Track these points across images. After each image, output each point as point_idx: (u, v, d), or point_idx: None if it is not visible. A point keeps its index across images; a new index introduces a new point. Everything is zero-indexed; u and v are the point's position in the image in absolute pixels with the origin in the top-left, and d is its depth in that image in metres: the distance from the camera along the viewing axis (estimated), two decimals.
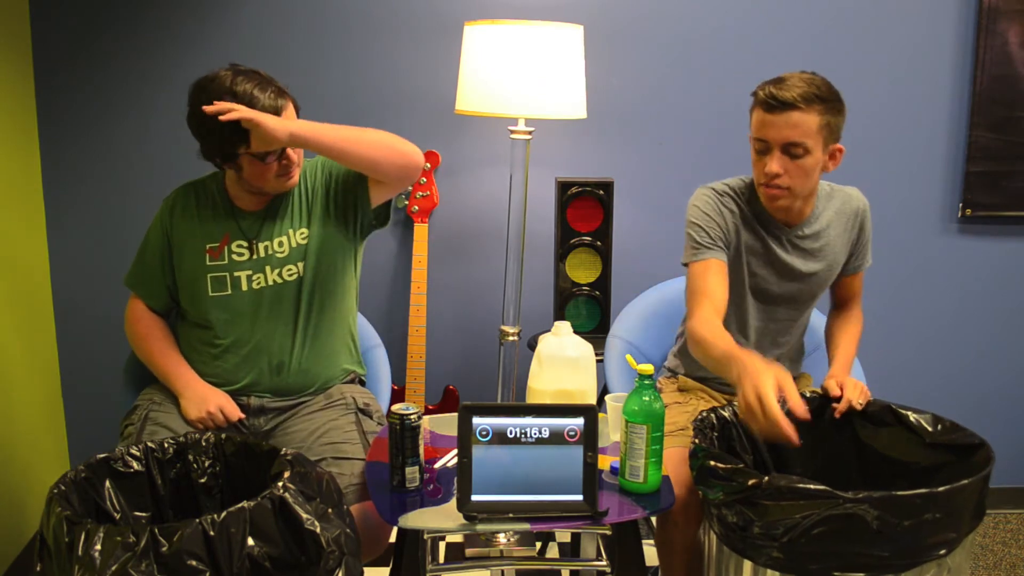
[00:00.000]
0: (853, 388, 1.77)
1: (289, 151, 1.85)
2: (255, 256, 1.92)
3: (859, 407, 1.74)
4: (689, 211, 1.88)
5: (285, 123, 1.77)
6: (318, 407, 1.94)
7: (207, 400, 1.86)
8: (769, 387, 1.47)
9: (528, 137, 2.39)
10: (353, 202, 1.96)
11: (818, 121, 1.70)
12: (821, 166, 1.76)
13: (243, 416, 1.90)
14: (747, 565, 1.46)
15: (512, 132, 2.39)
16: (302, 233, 1.94)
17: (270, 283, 1.92)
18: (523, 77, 2.19)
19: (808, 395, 1.78)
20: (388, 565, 1.84)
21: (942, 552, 1.39)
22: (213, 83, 1.78)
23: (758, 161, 1.77)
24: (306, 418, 1.92)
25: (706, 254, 1.82)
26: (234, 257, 1.92)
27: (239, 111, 1.72)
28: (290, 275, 1.93)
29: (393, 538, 1.75)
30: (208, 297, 1.92)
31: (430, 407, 2.71)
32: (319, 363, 1.96)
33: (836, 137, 1.77)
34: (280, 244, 1.93)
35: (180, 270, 1.95)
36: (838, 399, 1.76)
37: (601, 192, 2.54)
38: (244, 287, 1.92)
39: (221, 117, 1.71)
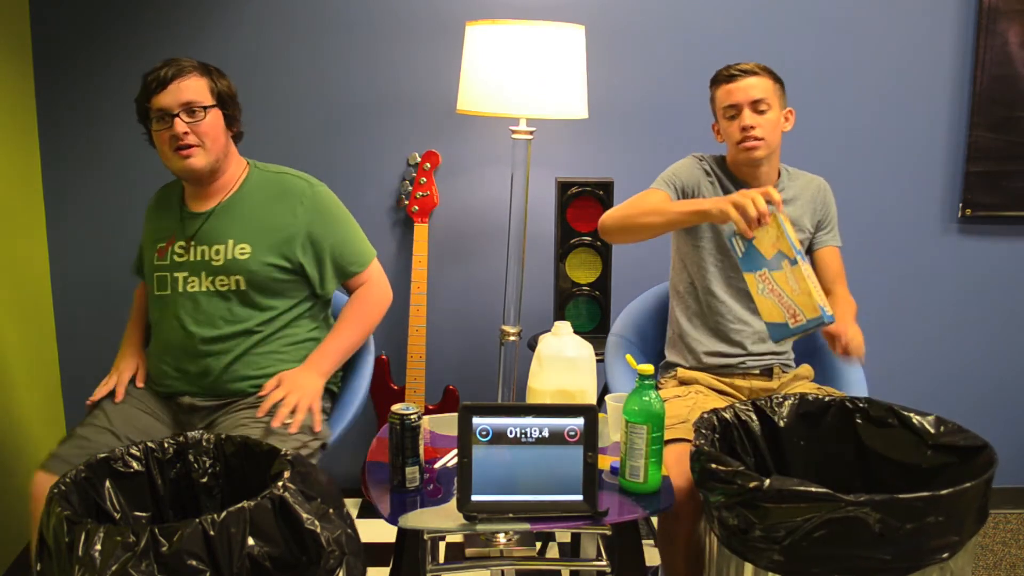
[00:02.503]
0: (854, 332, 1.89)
1: (177, 125, 1.81)
2: (189, 258, 1.90)
3: (857, 354, 1.87)
4: (665, 171, 2.09)
5: (310, 376, 1.88)
6: (248, 404, 1.88)
7: (116, 368, 1.96)
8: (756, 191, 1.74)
9: (529, 137, 2.39)
10: (320, 278, 1.97)
11: (772, 85, 2.00)
12: (780, 124, 2.03)
13: (140, 384, 1.95)
14: (748, 568, 1.45)
15: (513, 132, 2.39)
16: (242, 249, 1.89)
17: (203, 289, 1.90)
18: (524, 77, 2.19)
19: (811, 398, 1.78)
20: (388, 565, 1.83)
21: (944, 555, 1.39)
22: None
23: (730, 126, 2.01)
24: (231, 415, 1.86)
25: (665, 187, 2.05)
26: (175, 258, 1.91)
27: (287, 403, 1.83)
28: (222, 286, 1.89)
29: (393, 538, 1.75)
30: (154, 296, 1.94)
31: (430, 407, 2.71)
32: (250, 375, 1.91)
33: (785, 103, 2.04)
34: (217, 252, 1.90)
35: (143, 267, 2.01)
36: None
37: (601, 192, 2.53)
38: (180, 288, 1.90)
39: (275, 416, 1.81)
